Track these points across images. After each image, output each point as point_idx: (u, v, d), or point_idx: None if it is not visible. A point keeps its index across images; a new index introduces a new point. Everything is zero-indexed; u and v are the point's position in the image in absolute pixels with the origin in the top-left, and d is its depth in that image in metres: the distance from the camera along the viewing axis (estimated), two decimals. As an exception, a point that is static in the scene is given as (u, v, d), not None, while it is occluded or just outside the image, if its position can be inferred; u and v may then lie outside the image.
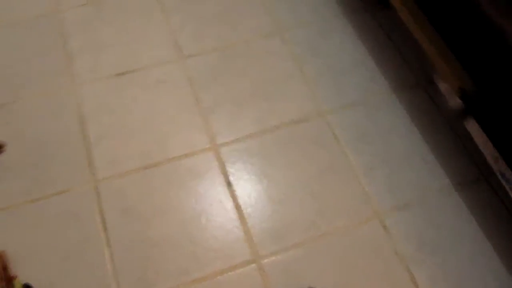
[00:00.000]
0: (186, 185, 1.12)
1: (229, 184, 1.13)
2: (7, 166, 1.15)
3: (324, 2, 1.44)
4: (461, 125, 1.21)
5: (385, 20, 1.40)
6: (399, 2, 1.19)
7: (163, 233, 1.06)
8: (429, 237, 1.07)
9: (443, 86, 1.16)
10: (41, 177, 1.13)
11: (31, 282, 0.99)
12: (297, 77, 1.29)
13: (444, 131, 1.21)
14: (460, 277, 1.02)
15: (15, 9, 1.41)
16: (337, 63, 1.31)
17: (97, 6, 1.43)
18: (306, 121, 1.22)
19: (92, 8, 1.43)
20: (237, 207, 1.10)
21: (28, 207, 1.09)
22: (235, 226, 1.07)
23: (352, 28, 1.39)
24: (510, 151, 0.97)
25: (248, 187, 1.12)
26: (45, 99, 1.25)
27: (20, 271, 1.00)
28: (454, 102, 1.15)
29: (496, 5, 0.95)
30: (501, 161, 0.98)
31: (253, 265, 1.03)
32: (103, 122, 1.21)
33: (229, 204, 1.10)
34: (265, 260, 1.03)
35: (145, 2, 1.44)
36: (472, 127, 1.04)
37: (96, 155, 1.16)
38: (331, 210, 1.09)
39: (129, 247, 1.04)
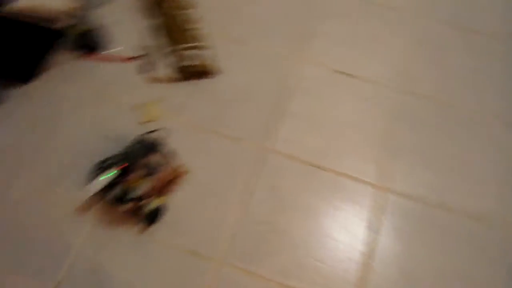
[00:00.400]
0: (334, 202, 1.10)
1: (371, 229, 1.08)
2: (210, 89, 1.25)
3: None
4: None
5: None
6: None
7: (289, 227, 1.07)
8: None
9: None
10: (228, 115, 1.21)
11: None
12: (504, 178, 1.16)
13: None
14: None
15: None
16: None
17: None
18: (485, 224, 1.09)
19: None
20: (366, 254, 1.05)
21: (207, 134, 1.18)
22: (353, 270, 1.03)
23: None
24: None
25: (388, 244, 1.06)
26: (272, 55, 1.32)
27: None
28: None
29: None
30: None
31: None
32: (306, 104, 1.25)
33: (360, 247, 1.06)
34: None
35: (403, 29, 1.41)
36: None
37: (281, 126, 1.20)
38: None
39: (256, 220, 1.07)
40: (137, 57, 1.30)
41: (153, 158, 0.99)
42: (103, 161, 1.00)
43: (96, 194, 0.98)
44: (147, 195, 0.97)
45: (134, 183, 0.96)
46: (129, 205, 0.96)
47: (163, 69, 1.26)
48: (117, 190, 0.95)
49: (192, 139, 1.17)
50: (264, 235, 1.05)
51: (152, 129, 1.07)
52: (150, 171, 0.97)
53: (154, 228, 1.03)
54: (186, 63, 1.23)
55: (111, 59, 1.30)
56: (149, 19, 1.36)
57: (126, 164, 0.97)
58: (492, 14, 1.46)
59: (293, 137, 1.19)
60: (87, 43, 1.28)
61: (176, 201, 1.07)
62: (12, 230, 1.03)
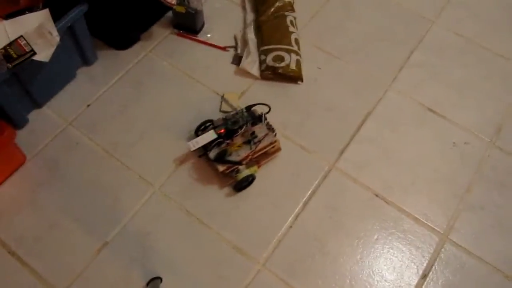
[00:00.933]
0: (391, 239, 1.05)
1: (424, 277, 1.02)
2: (291, 96, 1.25)
3: None
4: None
5: None
6: None
7: (337, 251, 1.03)
8: None
9: None
10: (305, 126, 1.20)
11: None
12: None
13: None
14: None
15: (406, 3, 1.46)
16: None
17: (468, 43, 1.38)
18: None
19: (459, 39, 1.38)
20: (412, 301, 0.99)
21: (282, 140, 1.17)
22: (394, 313, 0.98)
23: None
24: None
25: (437, 298, 0.99)
26: (358, 74, 1.29)
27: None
28: None
29: None
30: None
31: None
32: (380, 131, 1.21)
33: (408, 292, 1.00)
34: None
35: (507, 75, 1.33)
36: None
37: (351, 148, 1.17)
38: None
39: (306, 233, 1.05)
40: (231, 47, 1.33)
41: (255, 128, 1.08)
42: (209, 122, 1.11)
43: (197, 150, 1.07)
44: (244, 161, 1.05)
45: (235, 147, 1.05)
46: (226, 167, 1.04)
47: (254, 64, 1.27)
48: (218, 150, 1.05)
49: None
50: (308, 251, 1.03)
51: (259, 103, 1.14)
52: (250, 140, 1.06)
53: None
54: (276, 64, 1.23)
55: (207, 43, 1.33)
56: (251, 13, 1.38)
57: (230, 128, 1.07)
58: None
59: (364, 162, 1.15)
60: (188, 23, 1.32)
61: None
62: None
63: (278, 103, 1.23)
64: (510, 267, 1.03)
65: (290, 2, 1.37)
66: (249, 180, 1.06)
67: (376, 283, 1.00)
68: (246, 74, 1.27)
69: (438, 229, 1.08)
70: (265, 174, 1.11)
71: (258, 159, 1.09)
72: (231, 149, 1.05)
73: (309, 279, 0.99)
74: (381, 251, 1.04)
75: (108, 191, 1.08)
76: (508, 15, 1.46)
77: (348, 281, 1.00)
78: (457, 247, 1.05)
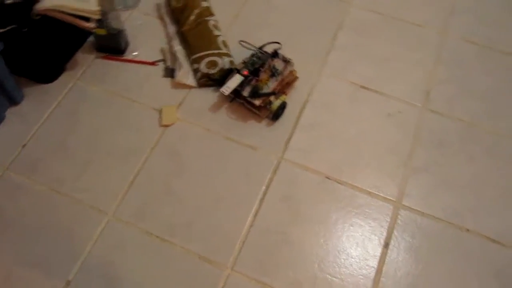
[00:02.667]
0: (349, 216, 1.09)
1: (386, 245, 1.06)
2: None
3: None
4: None
5: None
6: None
7: (301, 239, 1.05)
8: None
9: None
10: (246, 124, 1.21)
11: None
12: (525, 201, 1.13)
13: None
14: None
15: None
16: None
17: (383, 18, 1.45)
18: (503, 246, 1.06)
19: (377, 16, 1.45)
20: (379, 271, 1.03)
21: (223, 140, 1.19)
22: (364, 285, 1.01)
23: None
24: None
25: (401, 262, 1.04)
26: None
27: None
28: None
29: None
30: None
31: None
32: (320, 115, 1.24)
33: (373, 263, 1.04)
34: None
35: (429, 41, 1.40)
36: None
37: (296, 137, 1.20)
38: None
39: (268, 228, 1.06)
40: (160, 61, 1.32)
41: (275, 62, 1.23)
42: (231, 71, 1.23)
43: (232, 93, 1.18)
44: (276, 91, 1.20)
45: (263, 82, 1.19)
46: (261, 100, 1.17)
47: (188, 75, 1.27)
48: (250, 88, 1.18)
49: (208, 144, 1.18)
50: (275, 246, 1.04)
51: (269, 42, 1.29)
52: (274, 73, 1.21)
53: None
54: (211, 70, 1.24)
55: (135, 61, 1.32)
56: (173, 25, 1.38)
57: (252, 69, 1.20)
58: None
59: (310, 149, 1.18)
60: (112, 44, 1.30)
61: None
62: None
63: (218, 108, 1.24)
64: (460, 219, 1.09)
65: (207, 7, 1.38)
66: (283, 107, 1.20)
67: (343, 261, 1.03)
68: (181, 85, 1.27)
69: (391, 198, 1.12)
70: (217, 177, 1.12)
71: (283, 89, 1.23)
72: (261, 84, 1.18)
73: (280, 272, 1.01)
74: (342, 230, 1.07)
75: (62, 229, 1.04)
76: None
77: (316, 265, 1.02)
78: (411, 211, 1.11)
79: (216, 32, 1.32)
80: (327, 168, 1.15)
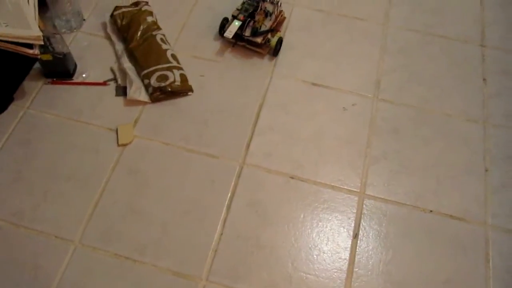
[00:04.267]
0: (317, 213, 1.11)
1: (355, 236, 1.08)
2: (183, 109, 1.26)
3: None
4: None
5: None
6: None
7: (272, 242, 1.06)
8: None
9: None
10: (204, 134, 1.22)
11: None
12: (479, 177, 1.18)
13: None
14: None
15: None
16: (531, 186, 1.17)
17: (327, 15, 1.49)
18: (464, 222, 1.11)
19: (320, 14, 1.48)
20: (351, 262, 1.05)
21: (183, 153, 1.18)
22: (339, 278, 1.03)
23: None
24: None
25: (371, 250, 1.06)
26: (242, 71, 1.34)
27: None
28: None
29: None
30: None
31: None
32: (276, 116, 1.26)
33: (345, 255, 1.06)
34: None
35: (373, 33, 1.45)
36: None
37: (255, 141, 1.21)
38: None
39: (238, 235, 1.06)
40: (111, 80, 1.30)
41: (266, 5, 1.38)
42: (225, 19, 1.38)
43: (234, 36, 1.33)
44: (273, 27, 1.36)
45: (260, 22, 1.34)
46: (262, 37, 1.33)
47: (140, 91, 1.26)
48: (250, 29, 1.33)
49: (168, 158, 1.17)
50: (246, 251, 1.04)
51: None
52: (267, 14, 1.36)
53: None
54: (162, 83, 1.23)
55: (84, 83, 1.30)
56: (121, 43, 1.36)
57: (247, 13, 1.35)
58: (460, 21, 1.50)
59: (271, 151, 1.19)
60: (59, 69, 1.28)
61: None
62: None
63: (174, 120, 1.23)
64: (423, 201, 1.13)
65: (153, 21, 1.38)
66: (280, 42, 1.36)
67: (315, 258, 1.05)
68: (134, 102, 1.26)
69: (355, 189, 1.15)
70: (181, 190, 1.12)
71: (277, 27, 1.39)
72: (258, 24, 1.33)
73: (255, 276, 1.01)
74: (311, 227, 1.09)
75: (26, 264, 1.01)
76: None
77: (290, 264, 1.03)
78: (375, 199, 1.13)
79: (164, 46, 1.32)
80: (289, 168, 1.17)
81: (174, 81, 1.25)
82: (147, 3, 1.43)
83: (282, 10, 1.41)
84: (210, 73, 1.33)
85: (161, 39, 1.34)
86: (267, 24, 1.35)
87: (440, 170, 1.18)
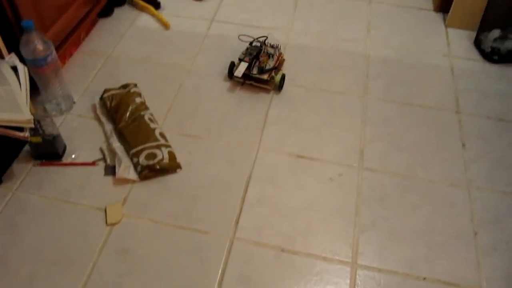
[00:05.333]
0: (310, 285, 1.09)
1: (350, 309, 1.06)
2: (173, 186, 1.27)
3: (531, 181, 1.32)
4: None
5: None
6: None
7: (266, 319, 1.03)
8: None
9: None
10: (193, 210, 1.22)
11: None
12: (469, 241, 1.18)
13: None
14: None
15: (245, 67, 1.61)
16: (520, 248, 1.17)
17: (309, 91, 1.56)
18: (460, 289, 1.10)
19: (302, 90, 1.55)
20: (348, 336, 1.02)
21: (173, 230, 1.17)
22: None
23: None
24: None
25: (368, 323, 1.03)
26: (229, 147, 1.37)
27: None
28: None
29: None
30: None
31: None
32: (264, 190, 1.27)
33: (341, 329, 1.03)
34: None
35: (353, 106, 1.51)
36: None
37: (244, 215, 1.21)
38: None
39: (231, 314, 1.03)
40: (100, 159, 1.32)
41: (268, 49, 1.59)
42: (233, 63, 1.56)
43: (241, 77, 1.51)
44: (276, 65, 1.55)
45: (265, 62, 1.54)
46: (268, 74, 1.51)
47: (129, 170, 1.27)
48: (257, 68, 1.52)
49: (157, 236, 1.16)
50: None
51: (255, 38, 1.63)
52: (269, 55, 1.57)
53: None
54: (150, 161, 1.26)
55: (74, 164, 1.31)
56: (110, 123, 1.40)
57: (252, 56, 1.55)
58: (434, 90, 1.59)
59: (260, 224, 1.19)
60: (49, 150, 1.29)
61: None
62: None
63: (163, 197, 1.24)
64: (415, 269, 1.12)
65: (142, 102, 1.43)
66: (283, 78, 1.53)
67: (311, 333, 1.02)
68: (123, 181, 1.27)
69: (346, 259, 1.14)
70: (171, 268, 1.09)
71: (279, 66, 1.58)
72: (263, 64, 1.53)
73: None
74: (305, 301, 1.07)
75: None
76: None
77: None
78: (368, 269, 1.12)
79: (152, 125, 1.36)
80: (280, 241, 1.16)
81: (163, 159, 1.27)
82: (135, 85, 1.49)
83: (281, 52, 1.60)
84: (197, 150, 1.36)
85: (149, 118, 1.38)
86: (271, 64, 1.53)
87: (429, 236, 1.18)
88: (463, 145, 1.41)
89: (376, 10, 1.95)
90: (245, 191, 1.27)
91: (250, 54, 1.55)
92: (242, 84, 1.55)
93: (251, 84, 1.55)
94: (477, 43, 1.77)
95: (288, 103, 1.52)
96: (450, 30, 1.86)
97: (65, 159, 1.33)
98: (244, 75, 1.50)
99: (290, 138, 1.41)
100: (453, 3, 1.81)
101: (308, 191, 1.27)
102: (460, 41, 1.81)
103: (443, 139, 1.43)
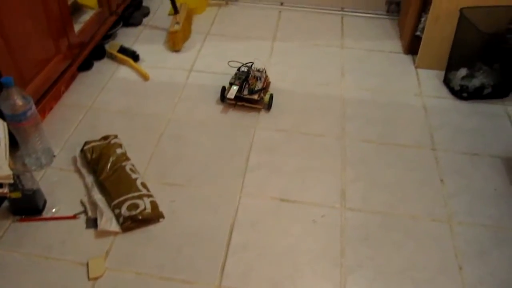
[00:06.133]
0: (299, 332, 1.07)
1: None
2: (157, 236, 1.26)
3: (509, 213, 1.35)
4: None
5: None
6: None
7: None
8: None
9: None
10: (178, 259, 1.20)
11: None
12: (455, 276, 1.19)
13: None
14: None
15: (225, 117, 1.64)
16: (505, 282, 1.18)
17: (288, 134, 1.59)
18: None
19: (282, 134, 1.58)
20: None
21: (157, 281, 1.15)
22: None
23: (534, 250, 1.25)
24: None
25: None
26: (211, 193, 1.37)
27: None
28: None
29: None
30: None
31: None
32: (249, 235, 1.26)
33: None
34: None
35: (332, 147, 1.54)
36: None
37: (230, 262, 1.20)
38: None
39: None
40: (81, 212, 1.31)
41: (255, 73, 1.74)
42: (224, 88, 1.71)
43: (235, 96, 1.65)
44: (264, 87, 1.70)
45: (254, 84, 1.68)
46: (257, 95, 1.66)
47: (111, 221, 1.26)
48: (247, 89, 1.67)
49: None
50: None
51: (243, 64, 1.78)
52: (257, 78, 1.71)
53: None
54: (132, 212, 1.25)
55: (54, 218, 1.29)
56: (91, 175, 1.40)
57: (242, 80, 1.70)
58: (409, 129, 1.63)
59: (244, 271, 1.18)
60: (29, 206, 1.28)
61: None
62: None
63: (146, 248, 1.22)
64: (404, 308, 1.12)
65: (123, 153, 1.43)
66: (272, 98, 1.69)
67: None
68: (105, 233, 1.25)
69: (334, 302, 1.13)
70: (157, 324, 1.07)
71: (266, 88, 1.73)
72: (252, 86, 1.67)
73: None
74: None
75: None
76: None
77: None
78: (356, 311, 1.11)
79: (134, 176, 1.36)
80: (266, 287, 1.15)
81: (145, 209, 1.27)
82: (116, 136, 1.50)
83: (267, 75, 1.76)
84: (180, 198, 1.36)
85: (131, 169, 1.38)
86: (259, 85, 1.68)
87: (415, 273, 1.19)
88: (442, 180, 1.44)
89: (348, 55, 2.03)
90: (230, 237, 1.26)
91: (239, 78, 1.70)
92: (235, 105, 1.69)
93: (242, 105, 1.68)
94: (446, 82, 1.84)
95: (269, 147, 1.54)
96: (420, 70, 1.94)
97: (45, 214, 1.31)
98: (236, 97, 1.64)
99: (272, 182, 1.42)
100: (421, 45, 1.90)
101: (293, 234, 1.27)
102: (430, 80, 1.88)
103: (421, 175, 1.46)
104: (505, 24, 1.75)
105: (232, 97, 1.64)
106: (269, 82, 1.77)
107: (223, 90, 1.70)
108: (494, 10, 1.72)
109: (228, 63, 1.83)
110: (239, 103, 1.68)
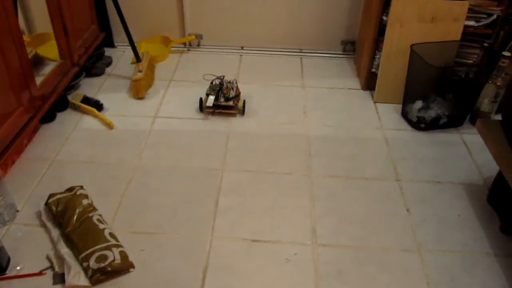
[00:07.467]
0: None
1: None
2: (128, 287, 1.22)
3: (474, 238, 1.39)
4: None
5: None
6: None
7: None
8: None
9: None
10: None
11: None
12: (428, 304, 1.20)
13: None
14: None
15: (192, 161, 1.65)
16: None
17: (255, 175, 1.60)
18: None
19: (249, 174, 1.60)
20: None
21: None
22: None
23: (501, 269, 1.29)
24: None
25: None
26: (182, 240, 1.36)
27: None
28: None
29: None
30: None
31: None
32: (222, 280, 1.25)
33: None
34: None
35: (300, 184, 1.56)
36: None
37: (205, 308, 1.18)
38: None
39: None
40: (47, 268, 1.26)
41: (227, 84, 1.94)
42: (201, 99, 1.93)
43: (211, 113, 1.90)
44: (236, 96, 1.92)
45: (228, 92, 1.90)
46: (233, 101, 1.89)
47: (79, 275, 1.22)
48: (223, 97, 1.89)
49: None
50: None
51: (216, 76, 2.01)
52: (229, 88, 1.92)
53: None
54: (101, 264, 1.21)
55: (18, 276, 1.24)
56: (57, 229, 1.36)
57: (217, 90, 1.91)
58: (373, 162, 1.68)
59: (222, 315, 1.16)
60: (-9, 266, 1.23)
61: None
62: None
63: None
64: None
65: (89, 203, 1.41)
66: (244, 104, 1.92)
67: None
68: (76, 286, 1.21)
69: None
70: None
71: (238, 95, 1.94)
72: (227, 94, 1.89)
73: None
74: None
75: None
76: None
77: None
78: None
79: (101, 226, 1.33)
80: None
81: (114, 259, 1.24)
82: (81, 187, 1.47)
83: (237, 86, 1.96)
84: (150, 247, 1.34)
85: (98, 219, 1.35)
86: (233, 93, 1.90)
87: (390, 305, 1.19)
88: (408, 210, 1.48)
89: (309, 94, 2.09)
90: (203, 283, 1.24)
91: (214, 89, 1.91)
92: (213, 113, 1.91)
93: (220, 112, 1.91)
94: (404, 114, 1.92)
95: (237, 189, 1.55)
96: (378, 105, 2.02)
97: (9, 272, 1.25)
98: (213, 105, 1.86)
99: (243, 223, 1.42)
100: (377, 81, 1.98)
101: (266, 274, 1.27)
102: (389, 114, 1.96)
103: (388, 207, 1.49)
104: (453, 57, 1.86)
105: (211, 105, 1.85)
106: (240, 91, 1.96)
107: (201, 101, 1.91)
108: (441, 45, 1.83)
109: (203, 77, 2.17)
110: (217, 111, 1.90)
